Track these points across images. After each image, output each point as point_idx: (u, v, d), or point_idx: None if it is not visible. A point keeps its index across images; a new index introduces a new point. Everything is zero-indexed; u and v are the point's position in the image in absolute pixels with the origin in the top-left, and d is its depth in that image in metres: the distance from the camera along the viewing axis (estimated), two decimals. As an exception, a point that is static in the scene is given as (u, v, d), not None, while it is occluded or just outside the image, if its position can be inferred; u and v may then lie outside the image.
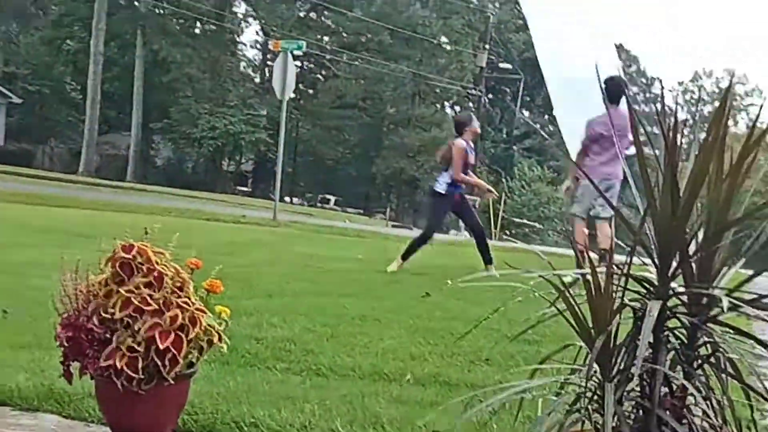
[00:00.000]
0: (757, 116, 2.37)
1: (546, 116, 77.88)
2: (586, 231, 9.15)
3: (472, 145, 10.05)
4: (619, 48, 78.18)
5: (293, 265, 9.40)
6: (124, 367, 2.69)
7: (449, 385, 4.25)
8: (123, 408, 2.82)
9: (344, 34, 60.88)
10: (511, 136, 68.92)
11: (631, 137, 2.61)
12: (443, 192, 9.89)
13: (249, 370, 4.28)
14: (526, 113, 74.99)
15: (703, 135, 2.49)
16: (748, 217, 2.38)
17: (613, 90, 9.06)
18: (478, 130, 10.48)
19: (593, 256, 2.45)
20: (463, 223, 10.39)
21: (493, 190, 11.40)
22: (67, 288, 2.85)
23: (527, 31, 73.12)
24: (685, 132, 2.62)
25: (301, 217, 24.68)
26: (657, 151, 2.51)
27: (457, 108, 67.53)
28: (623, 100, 9.29)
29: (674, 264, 2.40)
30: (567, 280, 2.49)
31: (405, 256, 9.84)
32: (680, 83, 78.86)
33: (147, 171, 53.29)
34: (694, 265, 2.40)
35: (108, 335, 2.77)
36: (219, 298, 3.15)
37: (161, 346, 2.71)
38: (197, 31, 54.82)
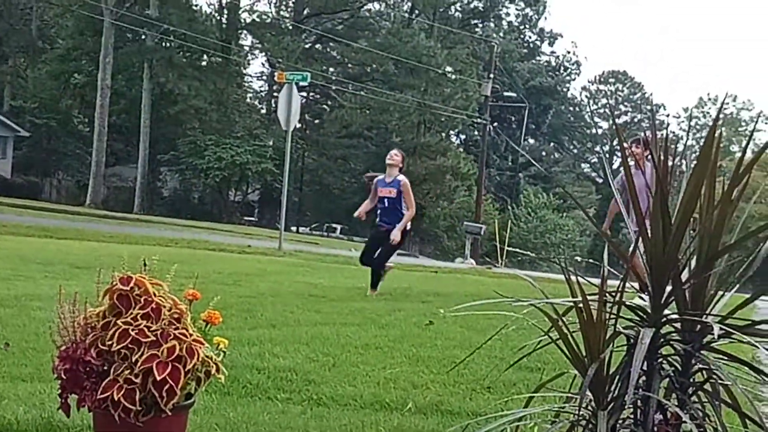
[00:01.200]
0: (746, 144, 2.38)
1: (551, 143, 78.00)
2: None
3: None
4: (624, 76, 78.50)
5: (297, 294, 9.39)
6: (122, 399, 2.70)
7: (450, 414, 4.25)
8: (121, 440, 2.81)
9: (349, 65, 61.21)
10: (517, 164, 69.01)
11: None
12: None
13: (250, 401, 4.27)
14: (532, 141, 75.12)
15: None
16: (739, 244, 2.39)
17: None
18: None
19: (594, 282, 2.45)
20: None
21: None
22: (65, 320, 2.86)
23: (531, 60, 73.56)
24: (687, 159, 2.64)
25: (307, 246, 24.66)
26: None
27: (463, 136, 67.69)
28: None
29: (667, 291, 2.41)
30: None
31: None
32: (685, 109, 78.98)
33: (154, 202, 53.38)
34: (687, 292, 2.41)
35: (105, 367, 2.78)
36: (222, 328, 3.15)
37: (158, 378, 2.71)
38: (204, 63, 55.05)
